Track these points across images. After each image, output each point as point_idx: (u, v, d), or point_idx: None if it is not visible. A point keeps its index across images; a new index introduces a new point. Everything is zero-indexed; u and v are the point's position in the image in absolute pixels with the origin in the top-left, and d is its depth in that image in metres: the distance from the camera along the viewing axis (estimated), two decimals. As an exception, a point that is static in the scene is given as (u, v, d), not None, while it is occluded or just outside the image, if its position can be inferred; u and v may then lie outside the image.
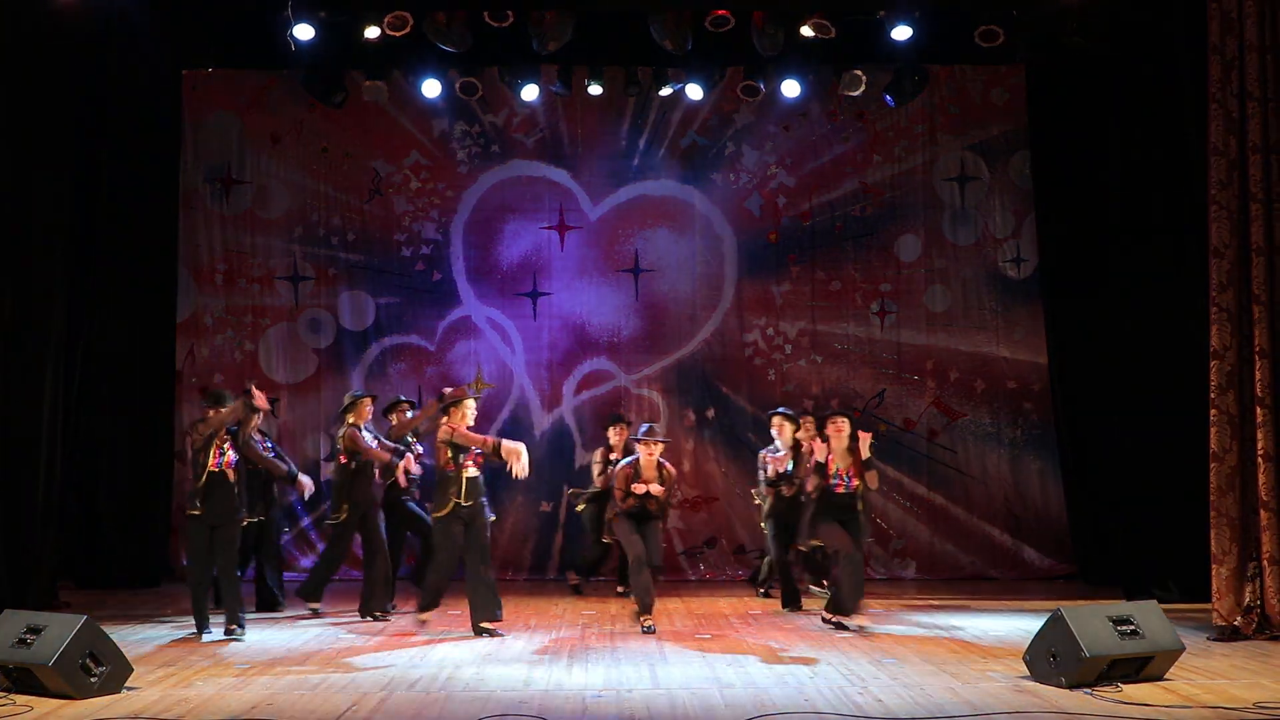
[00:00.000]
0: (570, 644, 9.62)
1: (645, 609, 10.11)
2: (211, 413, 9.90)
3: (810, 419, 11.60)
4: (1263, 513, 9.42)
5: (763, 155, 14.02)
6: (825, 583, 11.50)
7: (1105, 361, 12.58)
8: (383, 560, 10.93)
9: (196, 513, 9.73)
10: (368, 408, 11.07)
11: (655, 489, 10.09)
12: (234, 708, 7.45)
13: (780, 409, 11.57)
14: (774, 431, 11.31)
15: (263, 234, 13.88)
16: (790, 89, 13.26)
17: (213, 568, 9.89)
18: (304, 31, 11.67)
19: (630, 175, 14.03)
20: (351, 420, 10.95)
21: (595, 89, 13.29)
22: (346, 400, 11.16)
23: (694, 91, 13.39)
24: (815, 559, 11.83)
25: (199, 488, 9.77)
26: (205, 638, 9.76)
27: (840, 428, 10.06)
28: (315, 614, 11.01)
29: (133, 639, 9.65)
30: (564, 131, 13.99)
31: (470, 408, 9.93)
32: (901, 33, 12.02)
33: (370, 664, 8.84)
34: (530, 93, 13.31)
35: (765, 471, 11.38)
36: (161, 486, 13.23)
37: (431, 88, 13.21)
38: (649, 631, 9.97)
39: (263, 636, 9.89)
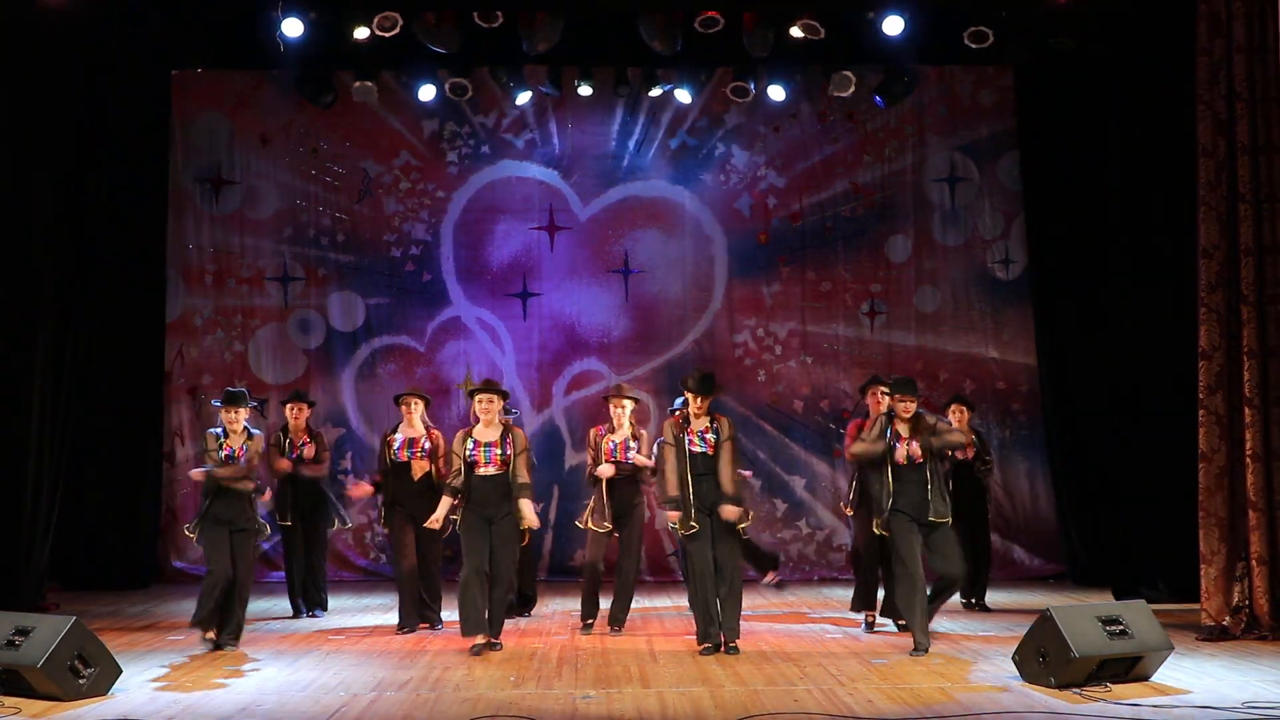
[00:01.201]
0: (560, 644, 9.62)
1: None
2: (222, 413, 9.52)
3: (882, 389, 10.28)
4: (1251, 513, 9.44)
5: (753, 156, 14.02)
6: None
7: (1094, 362, 12.64)
8: (408, 567, 10.34)
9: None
10: (406, 406, 10.45)
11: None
12: (224, 709, 7.44)
13: (878, 376, 10.69)
14: (869, 403, 10.48)
15: (252, 235, 13.86)
16: (776, 94, 13.28)
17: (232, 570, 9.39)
18: (293, 28, 11.62)
19: (620, 176, 14.02)
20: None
21: (585, 90, 13.28)
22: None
23: (683, 94, 13.41)
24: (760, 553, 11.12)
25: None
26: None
27: (909, 407, 9.20)
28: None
29: (122, 640, 9.64)
30: (554, 132, 13.99)
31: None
32: (893, 25, 11.95)
33: (361, 665, 8.83)
34: (522, 97, 13.34)
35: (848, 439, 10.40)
36: (151, 488, 13.21)
37: (426, 92, 13.22)
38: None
39: (253, 638, 9.87)
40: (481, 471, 9.26)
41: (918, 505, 9.09)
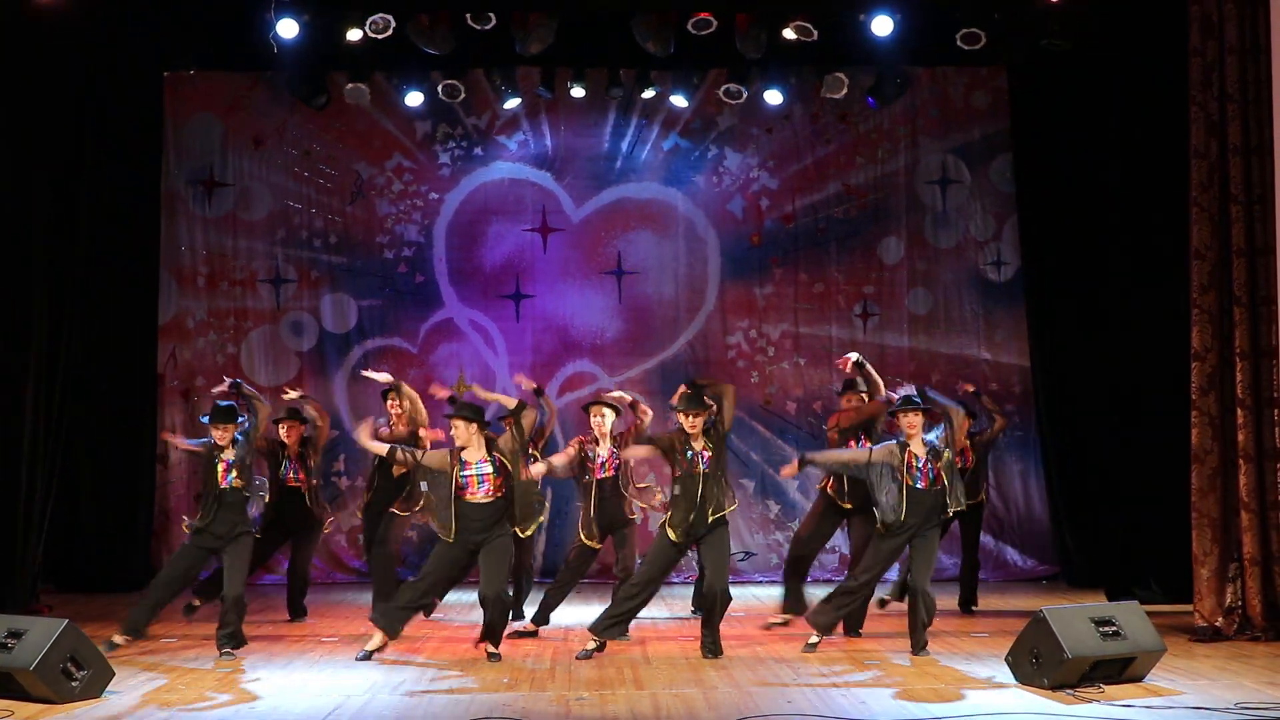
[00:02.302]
0: (553, 646, 9.62)
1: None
2: (211, 429, 9.25)
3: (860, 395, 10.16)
4: (1244, 514, 9.45)
5: (745, 157, 14.03)
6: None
7: (1087, 363, 12.65)
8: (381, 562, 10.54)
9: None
10: (393, 401, 10.48)
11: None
12: (218, 711, 7.43)
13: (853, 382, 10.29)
14: (845, 406, 10.22)
15: (245, 236, 13.84)
16: (773, 98, 13.32)
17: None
18: (287, 29, 11.59)
19: (613, 177, 14.03)
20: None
21: (578, 91, 13.28)
22: None
23: (677, 97, 13.43)
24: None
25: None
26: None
27: (913, 422, 8.99)
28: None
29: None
30: (547, 134, 13.98)
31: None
32: (882, 25, 11.94)
33: (354, 667, 8.83)
34: (510, 103, 13.36)
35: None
36: (144, 490, 13.18)
37: (414, 98, 13.24)
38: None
39: (246, 641, 9.85)
40: (470, 498, 8.92)
41: (927, 516, 9.00)
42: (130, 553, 13.04)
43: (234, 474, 9.27)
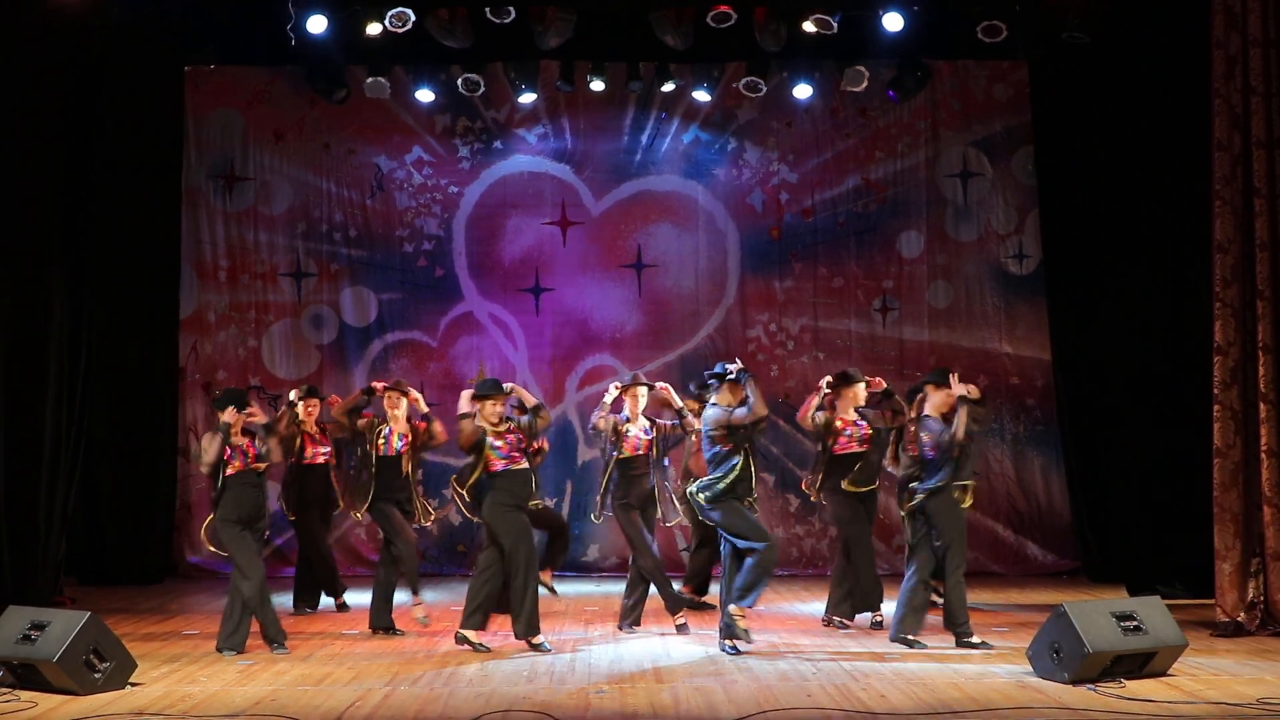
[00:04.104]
0: (573, 640, 9.63)
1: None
2: (220, 415, 9.27)
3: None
4: (1266, 508, 9.42)
5: (765, 151, 14.00)
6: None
7: (1109, 357, 12.59)
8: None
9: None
10: (389, 400, 10.34)
11: None
12: (238, 703, 7.47)
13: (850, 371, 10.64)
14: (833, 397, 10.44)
15: (266, 230, 13.88)
16: (801, 92, 13.31)
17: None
18: (316, 24, 11.59)
19: (633, 171, 14.01)
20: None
21: (598, 85, 13.27)
22: None
23: (696, 91, 13.41)
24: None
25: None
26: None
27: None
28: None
29: (137, 635, 9.66)
30: (566, 127, 13.98)
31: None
32: (893, 21, 11.92)
33: (374, 659, 8.85)
34: (525, 98, 13.36)
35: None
36: (165, 483, 13.24)
37: (439, 88, 13.26)
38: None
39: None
40: (502, 468, 9.22)
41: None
42: (152, 545, 13.10)
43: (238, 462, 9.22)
